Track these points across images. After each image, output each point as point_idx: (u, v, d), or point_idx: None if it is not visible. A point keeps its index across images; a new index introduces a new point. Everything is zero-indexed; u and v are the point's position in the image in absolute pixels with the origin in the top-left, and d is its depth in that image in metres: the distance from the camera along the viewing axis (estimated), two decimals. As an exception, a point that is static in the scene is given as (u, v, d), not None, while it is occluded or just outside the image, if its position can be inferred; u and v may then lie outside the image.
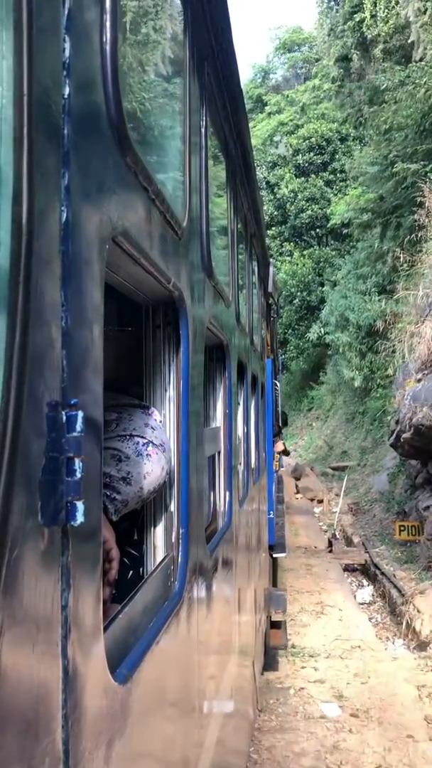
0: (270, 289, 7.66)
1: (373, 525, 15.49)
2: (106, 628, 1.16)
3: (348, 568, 12.97)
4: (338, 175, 33.94)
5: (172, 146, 1.99)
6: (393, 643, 9.16)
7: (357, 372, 22.30)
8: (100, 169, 1.03)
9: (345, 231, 32.36)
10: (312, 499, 20.26)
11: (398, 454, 14.78)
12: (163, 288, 1.62)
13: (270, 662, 7.66)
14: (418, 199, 15.25)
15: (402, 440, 12.42)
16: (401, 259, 15.56)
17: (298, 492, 21.01)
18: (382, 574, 11.36)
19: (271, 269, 7.88)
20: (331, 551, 13.54)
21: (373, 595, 11.50)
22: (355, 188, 25.01)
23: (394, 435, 13.23)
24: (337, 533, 14.26)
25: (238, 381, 4.02)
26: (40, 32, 0.81)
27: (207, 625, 2.25)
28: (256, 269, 5.96)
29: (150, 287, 1.61)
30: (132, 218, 1.23)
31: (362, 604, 11.15)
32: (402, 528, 12.18)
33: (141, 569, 1.92)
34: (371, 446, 21.10)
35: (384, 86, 19.48)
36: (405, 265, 15.54)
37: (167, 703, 1.61)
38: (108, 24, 1.08)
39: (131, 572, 1.91)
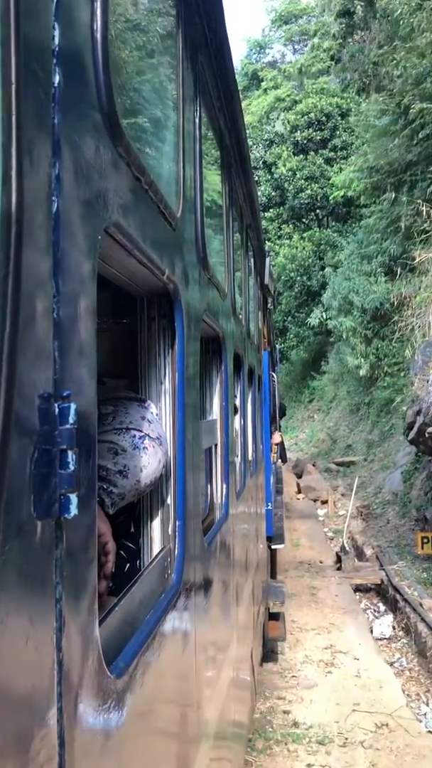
0: (266, 280, 7.65)
1: (387, 533, 13.11)
2: (102, 621, 1.16)
3: (360, 588, 10.90)
4: (339, 152, 31.63)
5: (166, 136, 1.97)
6: (428, 705, 6.99)
7: (362, 359, 20.56)
8: (92, 159, 1.02)
9: (347, 210, 30.03)
10: (315, 500, 18.05)
11: (420, 452, 12.59)
12: (158, 279, 1.61)
13: (262, 747, 5.85)
14: None
15: (426, 435, 10.29)
16: (424, 214, 13.74)
17: (299, 491, 19.07)
18: (405, 600, 9.20)
19: (268, 260, 7.86)
20: (339, 568, 11.38)
21: (393, 627, 9.20)
22: (361, 156, 21.98)
23: (415, 429, 10.99)
24: (346, 544, 12.04)
25: (235, 373, 4.02)
26: (29, 19, 0.80)
27: (205, 617, 2.26)
28: (252, 261, 5.94)
29: (144, 278, 1.60)
30: (125, 209, 1.22)
31: (380, 639, 8.82)
32: (425, 540, 10.13)
33: (138, 562, 1.92)
34: (378, 439, 19.19)
35: (398, 12, 16.31)
36: (426, 224, 13.77)
37: (165, 695, 1.61)
38: (99, 11, 1.06)
39: (128, 565, 1.91)
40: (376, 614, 9.88)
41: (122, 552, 1.90)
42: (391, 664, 7.87)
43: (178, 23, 1.96)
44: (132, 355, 1.92)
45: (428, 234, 13.93)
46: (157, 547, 1.86)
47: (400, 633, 8.92)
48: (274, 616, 7.52)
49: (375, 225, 21.01)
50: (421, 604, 8.81)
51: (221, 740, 2.73)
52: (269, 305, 9.30)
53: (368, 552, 12.22)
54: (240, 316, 4.32)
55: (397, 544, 12.08)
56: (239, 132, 3.46)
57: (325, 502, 17.41)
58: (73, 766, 0.87)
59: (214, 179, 3.16)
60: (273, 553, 9.43)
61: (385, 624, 9.20)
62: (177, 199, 1.85)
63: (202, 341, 2.63)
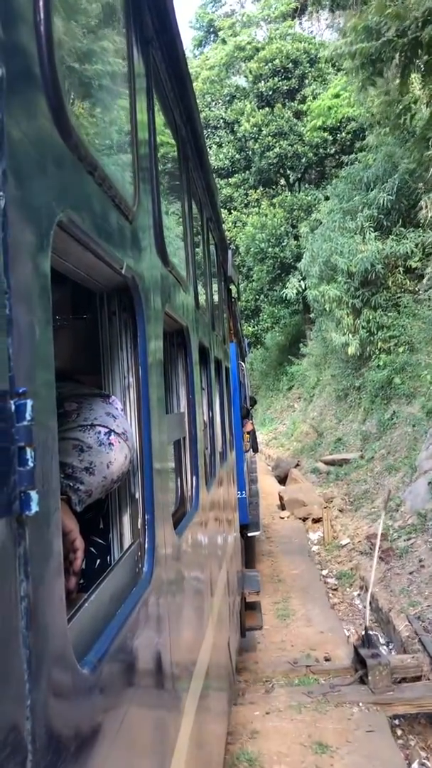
0: (229, 272, 7.66)
1: (426, 586, 8.09)
2: (72, 617, 1.16)
3: (402, 715, 5.97)
4: (309, 103, 27.84)
5: (120, 130, 1.96)
6: None
7: (350, 335, 17.07)
8: (40, 154, 1.01)
9: (320, 170, 26.38)
10: (304, 519, 13.49)
11: None
12: (116, 273, 1.60)
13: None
14: None
15: None
16: None
17: (283, 507, 14.55)
18: None
19: (230, 253, 7.87)
20: (363, 680, 6.21)
21: None
22: (352, 15, 14.35)
23: None
24: (369, 624, 7.06)
25: (201, 366, 4.02)
26: None
27: (179, 609, 2.27)
28: (214, 253, 5.94)
29: (102, 273, 1.60)
30: (78, 203, 1.22)
31: None
32: None
33: (108, 557, 1.92)
34: (377, 431, 15.39)
35: None
36: None
37: (140, 689, 1.62)
38: (41, 3, 1.05)
39: (99, 561, 1.91)
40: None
41: (92, 549, 1.90)
42: None
43: (128, 17, 1.95)
44: (94, 351, 1.92)
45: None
46: (127, 542, 1.86)
47: None
48: (250, 606, 7.59)
49: (365, 165, 16.81)
50: None
51: (200, 732, 2.75)
52: (233, 297, 9.32)
53: (400, 625, 7.36)
54: (204, 308, 4.32)
55: (447, 606, 7.33)
56: (195, 124, 3.45)
57: (318, 521, 12.93)
58: (45, 764, 0.87)
59: (171, 172, 3.15)
60: (248, 541, 9.48)
61: None
62: (133, 192, 1.84)
63: (166, 334, 2.62)
